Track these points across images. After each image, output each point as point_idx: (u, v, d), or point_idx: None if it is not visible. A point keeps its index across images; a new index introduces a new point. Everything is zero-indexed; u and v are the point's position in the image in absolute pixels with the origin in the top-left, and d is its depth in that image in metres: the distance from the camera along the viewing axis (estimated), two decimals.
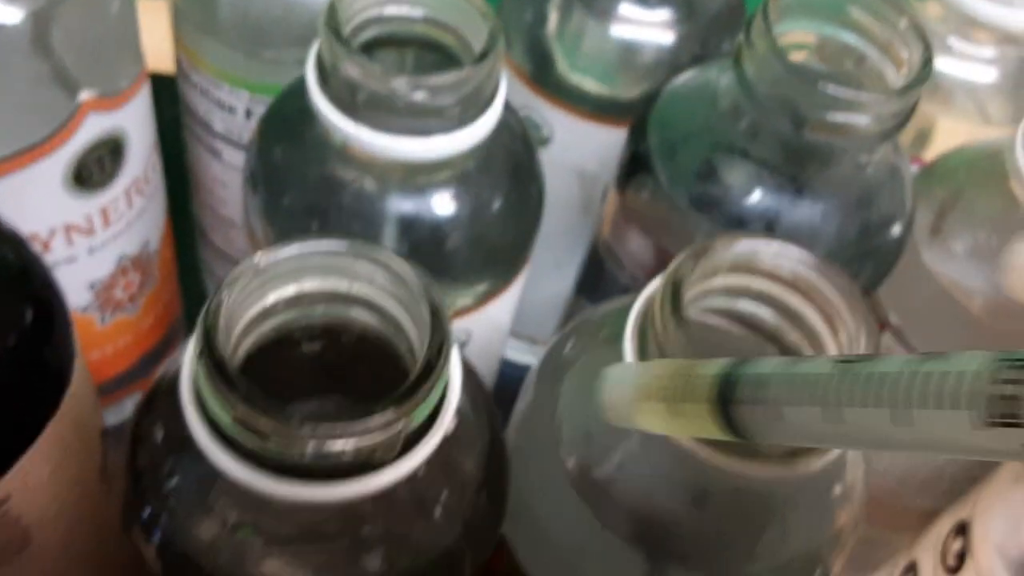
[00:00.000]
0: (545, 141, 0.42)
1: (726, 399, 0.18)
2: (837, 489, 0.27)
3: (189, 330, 0.49)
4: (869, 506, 0.41)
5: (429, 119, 0.30)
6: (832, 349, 0.25)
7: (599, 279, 0.40)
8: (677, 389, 0.19)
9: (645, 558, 0.26)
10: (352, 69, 0.29)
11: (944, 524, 0.34)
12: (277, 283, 0.23)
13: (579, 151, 0.42)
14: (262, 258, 0.22)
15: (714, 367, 0.18)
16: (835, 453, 0.25)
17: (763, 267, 0.26)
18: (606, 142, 0.42)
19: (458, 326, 0.35)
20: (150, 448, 0.25)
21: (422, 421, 0.22)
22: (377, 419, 0.21)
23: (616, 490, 0.27)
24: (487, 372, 0.41)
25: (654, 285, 0.26)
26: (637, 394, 0.20)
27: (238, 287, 0.22)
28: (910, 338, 0.35)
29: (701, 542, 0.26)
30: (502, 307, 0.37)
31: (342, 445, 0.21)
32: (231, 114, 0.40)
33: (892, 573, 0.36)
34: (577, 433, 0.28)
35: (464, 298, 0.34)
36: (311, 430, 0.20)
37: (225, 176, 0.43)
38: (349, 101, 0.29)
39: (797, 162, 0.31)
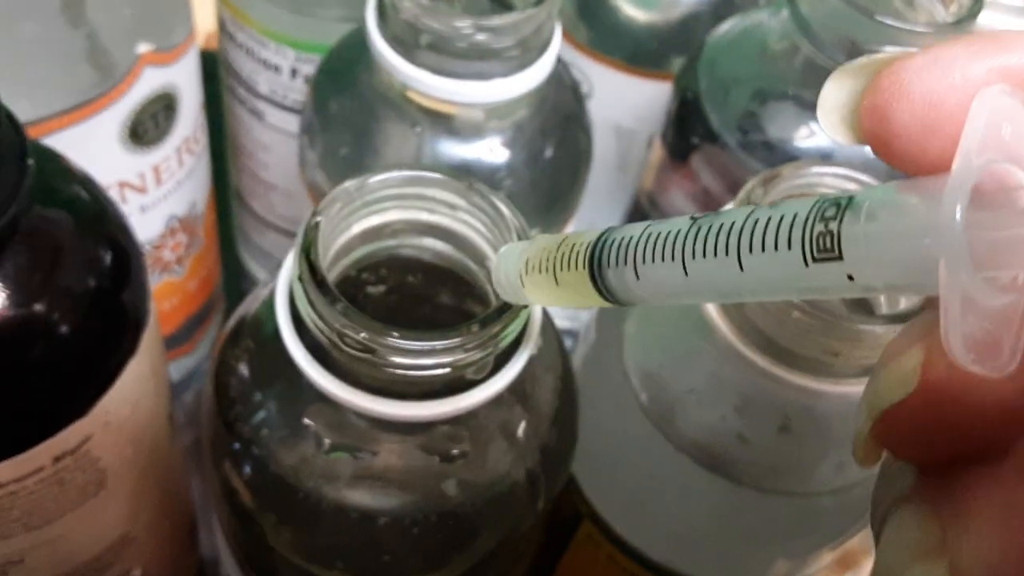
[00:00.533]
0: (586, 96, 0.43)
1: (598, 263, 0.18)
2: None
3: (227, 299, 0.50)
4: None
5: (489, 62, 0.30)
6: None
7: None
8: (558, 259, 0.19)
9: (720, 482, 0.27)
10: (415, 9, 0.29)
11: None
12: (367, 211, 0.24)
13: (618, 106, 0.43)
14: (354, 183, 0.23)
15: (589, 235, 0.19)
16: None
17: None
18: (644, 96, 0.42)
19: None
20: (239, 380, 0.25)
21: (510, 342, 0.23)
22: (471, 336, 0.21)
23: (690, 416, 0.27)
24: None
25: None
26: (525, 267, 0.21)
27: (334, 210, 0.22)
28: None
29: (777, 463, 0.27)
30: None
31: (438, 360, 0.21)
32: (276, 73, 0.40)
33: None
34: (647, 366, 0.28)
35: None
36: (412, 343, 0.21)
37: (268, 139, 0.43)
38: (411, 44, 0.30)
39: None
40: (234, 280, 0.52)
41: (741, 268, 0.15)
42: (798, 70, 0.32)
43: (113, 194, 0.36)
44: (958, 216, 0.12)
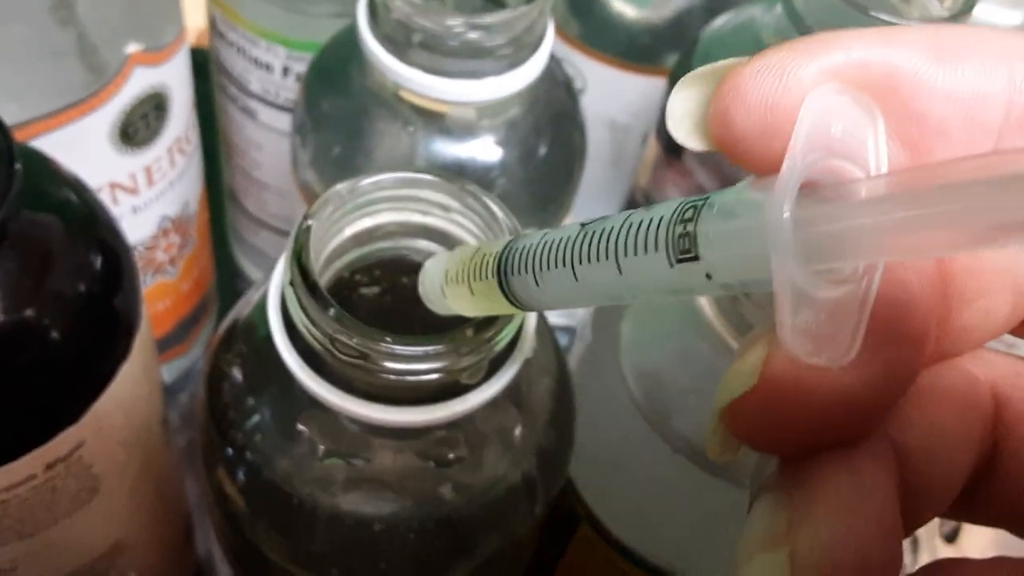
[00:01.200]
0: (579, 92, 0.42)
1: (505, 272, 0.19)
2: None
3: (221, 298, 0.49)
4: None
5: (481, 60, 0.30)
6: None
7: None
8: (471, 269, 0.20)
9: (717, 483, 0.27)
10: (406, 8, 0.29)
11: None
12: (359, 214, 0.23)
13: (611, 102, 0.42)
14: (346, 186, 0.23)
15: (497, 245, 0.19)
16: None
17: None
18: (638, 91, 0.42)
19: None
20: (232, 386, 0.25)
21: (505, 346, 0.23)
22: (464, 341, 0.21)
23: (687, 417, 0.27)
24: None
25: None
26: (444, 278, 0.21)
27: (325, 213, 0.22)
28: None
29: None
30: None
31: (432, 365, 0.21)
32: (268, 72, 0.40)
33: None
34: (643, 366, 0.28)
35: None
36: (405, 348, 0.21)
37: (260, 138, 0.43)
38: (402, 43, 0.30)
39: None
40: (228, 279, 0.52)
41: (620, 271, 0.15)
42: None
43: (104, 195, 0.36)
44: (784, 212, 0.12)
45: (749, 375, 0.14)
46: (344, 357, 0.21)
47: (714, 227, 0.13)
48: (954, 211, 0.11)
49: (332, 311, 0.21)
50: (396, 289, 0.26)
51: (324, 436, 0.23)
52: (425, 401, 0.22)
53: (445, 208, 0.24)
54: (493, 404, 0.24)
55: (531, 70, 0.31)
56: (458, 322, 0.24)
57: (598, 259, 0.16)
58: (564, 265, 0.17)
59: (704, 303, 0.25)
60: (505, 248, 0.19)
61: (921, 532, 0.37)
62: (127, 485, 0.30)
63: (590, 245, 0.16)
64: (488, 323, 0.21)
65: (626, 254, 0.15)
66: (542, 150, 0.34)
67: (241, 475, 0.25)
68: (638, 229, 0.15)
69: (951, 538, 0.36)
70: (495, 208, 0.23)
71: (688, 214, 0.14)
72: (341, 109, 0.33)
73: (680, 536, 0.29)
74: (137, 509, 0.31)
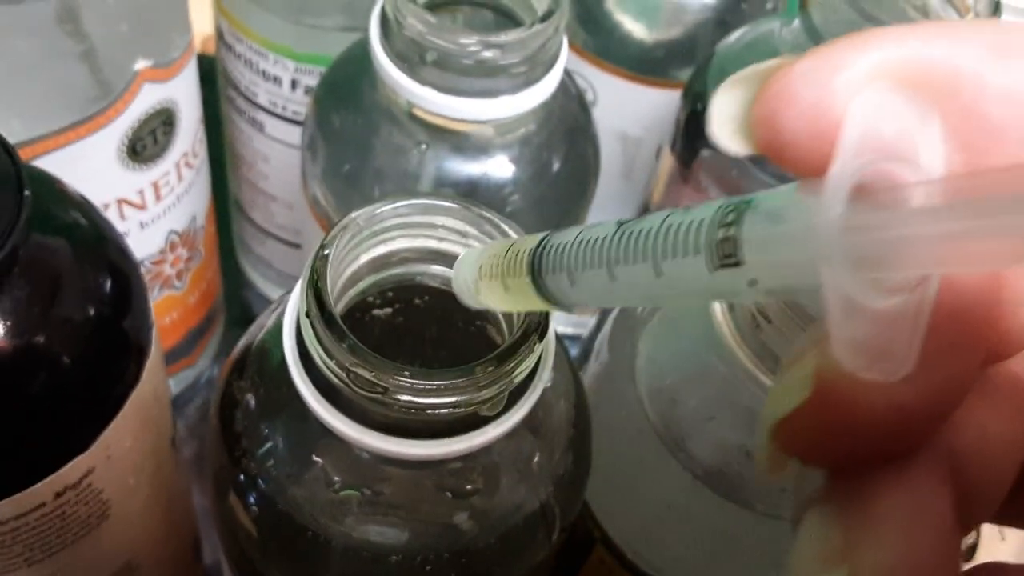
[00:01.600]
0: (590, 105, 0.42)
1: (538, 269, 0.18)
2: None
3: (228, 308, 0.49)
4: None
5: (495, 79, 0.30)
6: None
7: None
8: (505, 265, 0.19)
9: (734, 508, 0.26)
10: (420, 26, 0.28)
11: None
12: (375, 240, 0.23)
13: (622, 114, 0.42)
14: (363, 214, 0.22)
15: (531, 241, 0.19)
16: None
17: None
18: (649, 104, 0.41)
19: None
20: (245, 413, 0.24)
21: (524, 377, 0.22)
22: (484, 373, 0.21)
23: (705, 442, 0.27)
24: None
25: None
26: (478, 273, 0.21)
27: (342, 242, 0.22)
28: None
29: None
30: None
31: (451, 399, 0.21)
32: (277, 85, 0.39)
33: None
34: (660, 389, 0.28)
35: None
36: (423, 382, 0.20)
37: (268, 149, 0.42)
38: (415, 61, 0.29)
39: None
40: (234, 290, 0.52)
41: (658, 273, 0.15)
42: None
43: (112, 211, 0.35)
44: (835, 218, 0.11)
45: (800, 389, 0.14)
46: (361, 391, 0.20)
47: (759, 231, 0.13)
48: (1016, 221, 0.11)
49: (348, 343, 0.20)
50: (411, 314, 0.26)
51: (339, 467, 0.23)
52: (443, 433, 0.22)
53: (462, 235, 0.24)
54: (511, 433, 0.24)
55: (545, 88, 0.31)
56: (476, 342, 0.24)
57: (635, 260, 0.15)
58: (600, 265, 0.16)
59: (723, 326, 0.25)
60: (540, 245, 0.18)
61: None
62: (137, 508, 0.30)
63: (627, 245, 0.15)
64: (508, 354, 0.21)
65: (665, 256, 0.15)
66: (556, 165, 0.33)
67: (253, 504, 0.24)
68: (677, 231, 0.14)
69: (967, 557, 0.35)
70: (511, 232, 0.23)
71: (730, 217, 0.13)
72: (352, 125, 0.32)
73: (696, 561, 0.28)
74: (146, 530, 0.31)
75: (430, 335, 0.26)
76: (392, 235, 0.23)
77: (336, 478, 0.23)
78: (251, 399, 0.24)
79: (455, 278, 0.22)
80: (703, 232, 0.14)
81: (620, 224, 0.16)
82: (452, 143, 0.31)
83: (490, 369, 0.21)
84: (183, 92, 0.35)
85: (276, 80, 0.39)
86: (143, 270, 0.39)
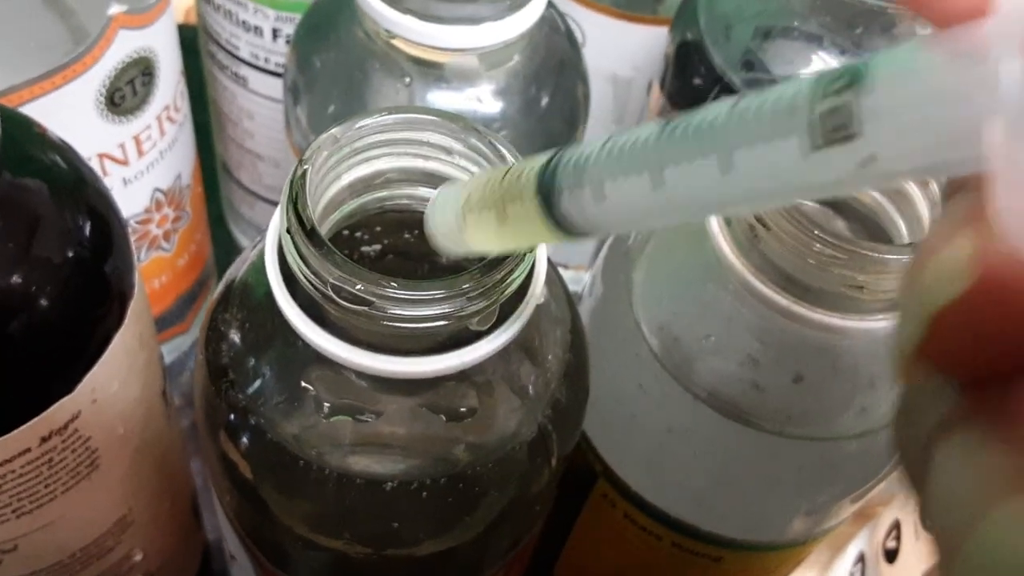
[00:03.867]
0: (579, 46, 0.41)
1: (549, 189, 0.16)
2: None
3: (219, 275, 0.48)
4: None
5: (478, 5, 0.29)
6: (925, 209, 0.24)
7: None
8: (504, 191, 0.17)
9: (739, 429, 0.26)
10: None
11: None
12: (356, 159, 0.22)
13: (612, 55, 0.41)
14: (341, 128, 0.22)
15: (536, 160, 0.17)
16: None
17: None
18: (638, 42, 0.41)
19: None
20: (231, 347, 0.24)
21: (514, 291, 0.22)
22: (472, 283, 0.20)
23: (708, 364, 0.26)
24: None
25: None
26: (464, 206, 0.18)
27: (320, 159, 0.21)
28: None
29: (798, 408, 0.26)
30: None
31: (439, 311, 0.20)
32: (258, 35, 0.38)
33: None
34: (659, 314, 0.27)
35: None
36: (410, 292, 0.20)
37: (252, 106, 0.42)
38: None
39: (856, 28, 0.30)
40: (225, 257, 0.51)
41: (726, 170, 0.13)
42: (804, 2, 0.31)
43: (94, 166, 0.35)
44: (1013, 69, 0.10)
45: (959, 274, 0.11)
46: (347, 305, 0.20)
47: (884, 95, 0.11)
48: None
49: (333, 256, 0.19)
50: (399, 242, 0.25)
51: (330, 393, 0.22)
52: (433, 351, 0.21)
53: (448, 151, 0.23)
54: (505, 354, 0.23)
55: (529, 15, 0.30)
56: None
57: (693, 157, 0.13)
58: (640, 171, 0.14)
59: (720, 239, 0.24)
60: (551, 160, 0.16)
61: (868, 551, 0.36)
62: (128, 459, 0.29)
63: (681, 142, 0.13)
64: (496, 264, 0.20)
65: (738, 146, 0.13)
66: (544, 100, 0.33)
67: (245, 439, 0.23)
68: (758, 113, 0.12)
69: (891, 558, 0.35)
70: (502, 148, 0.22)
71: (841, 83, 0.11)
72: (334, 65, 0.32)
73: (701, 488, 0.28)
74: (140, 484, 0.30)
75: (419, 260, 0.25)
76: (374, 153, 0.23)
77: (327, 405, 0.22)
78: (236, 333, 0.24)
79: (430, 216, 0.20)
80: (798, 108, 0.12)
81: (667, 123, 0.14)
82: (437, 75, 0.30)
83: (477, 279, 0.20)
84: (161, 41, 0.35)
85: (257, 30, 0.38)
86: (129, 229, 0.38)
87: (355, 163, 0.22)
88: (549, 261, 0.25)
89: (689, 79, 0.33)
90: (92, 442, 0.27)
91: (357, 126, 0.22)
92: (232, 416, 0.24)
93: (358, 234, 0.25)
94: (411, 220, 0.24)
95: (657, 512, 0.28)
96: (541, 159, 0.17)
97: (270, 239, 0.22)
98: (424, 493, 0.23)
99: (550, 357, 0.25)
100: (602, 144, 0.15)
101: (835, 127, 0.11)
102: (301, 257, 0.20)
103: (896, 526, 0.39)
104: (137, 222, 0.38)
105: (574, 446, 0.29)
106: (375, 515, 0.23)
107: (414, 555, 0.24)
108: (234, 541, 0.28)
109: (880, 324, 0.23)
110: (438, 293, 0.20)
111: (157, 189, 0.38)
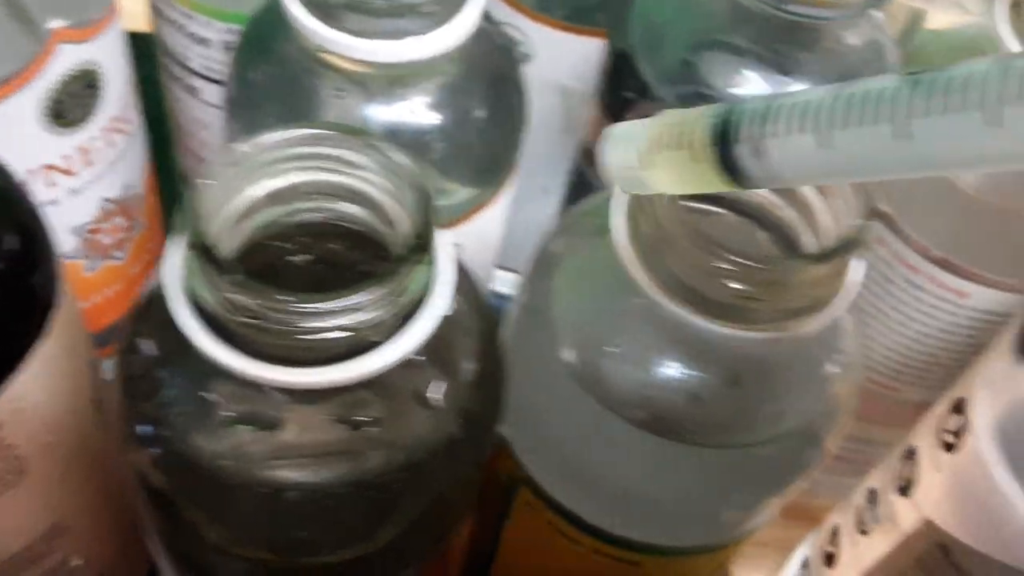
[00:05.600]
0: (526, 58, 0.42)
1: (726, 139, 0.17)
2: (832, 358, 0.27)
3: None
4: (866, 401, 0.41)
5: (408, 19, 0.29)
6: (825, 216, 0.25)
7: (586, 193, 0.39)
8: (682, 135, 0.18)
9: (653, 439, 0.26)
10: None
11: (942, 405, 0.34)
12: (259, 175, 0.23)
13: (559, 66, 0.42)
14: (246, 144, 0.22)
15: (715, 108, 0.17)
16: (829, 317, 0.24)
17: None
18: (584, 54, 0.41)
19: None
20: (142, 358, 0.24)
21: (414, 300, 0.22)
22: (366, 293, 0.20)
23: (618, 375, 0.26)
24: None
25: None
26: (649, 145, 0.18)
27: (220, 175, 0.21)
28: (903, 225, 0.35)
29: (712, 417, 0.26)
30: (490, 221, 0.36)
31: (333, 321, 0.20)
32: (207, 47, 0.39)
33: (890, 462, 0.36)
34: (573, 323, 0.27)
35: (449, 209, 0.34)
36: (302, 304, 0.20)
37: (205, 116, 0.42)
38: (326, 5, 0.29)
39: (782, 42, 0.30)
40: None
41: (992, 122, 0.13)
42: (730, 17, 0.31)
43: (40, 178, 0.35)
44: None
45: None
46: (240, 319, 0.20)
47: None
48: None
49: (225, 270, 0.20)
50: (312, 254, 0.25)
51: (233, 403, 0.23)
52: (332, 361, 0.22)
53: (354, 165, 0.23)
54: (410, 364, 0.23)
55: (460, 28, 0.30)
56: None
57: (954, 110, 0.13)
58: (879, 120, 0.14)
59: (627, 255, 0.25)
60: (730, 111, 0.17)
61: (877, 484, 0.36)
62: (58, 468, 0.29)
63: (860, 107, 0.14)
64: (390, 275, 0.21)
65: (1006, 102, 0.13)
66: (479, 113, 0.33)
67: (154, 449, 0.24)
68: (932, 88, 0.13)
69: (951, 446, 0.34)
70: (399, 160, 0.22)
71: None
72: (269, 79, 0.32)
73: (619, 496, 0.28)
74: (72, 492, 0.31)
75: (333, 274, 0.26)
76: (282, 168, 0.23)
77: (230, 415, 0.23)
78: (147, 344, 0.24)
79: (603, 157, 0.20)
80: (987, 80, 0.13)
81: (912, 75, 0.14)
82: (368, 89, 0.31)
83: (372, 287, 0.20)
84: (106, 54, 0.35)
85: (205, 42, 0.39)
86: (79, 239, 0.39)
87: (262, 176, 0.23)
88: (464, 269, 0.26)
89: (622, 90, 0.34)
90: (19, 450, 0.27)
91: (259, 142, 0.22)
92: (142, 428, 0.24)
93: (275, 244, 0.26)
94: (324, 229, 0.25)
95: (576, 519, 0.29)
96: (716, 108, 0.17)
97: (175, 252, 0.22)
98: (329, 502, 0.23)
99: (461, 367, 0.25)
100: (784, 99, 0.16)
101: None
102: (195, 269, 0.20)
103: (835, 531, 0.39)
104: (88, 232, 0.39)
105: (494, 454, 0.29)
106: (282, 525, 0.24)
107: (323, 563, 0.25)
108: (156, 547, 0.29)
109: (779, 335, 0.24)
110: (331, 305, 0.20)
111: (106, 199, 0.38)
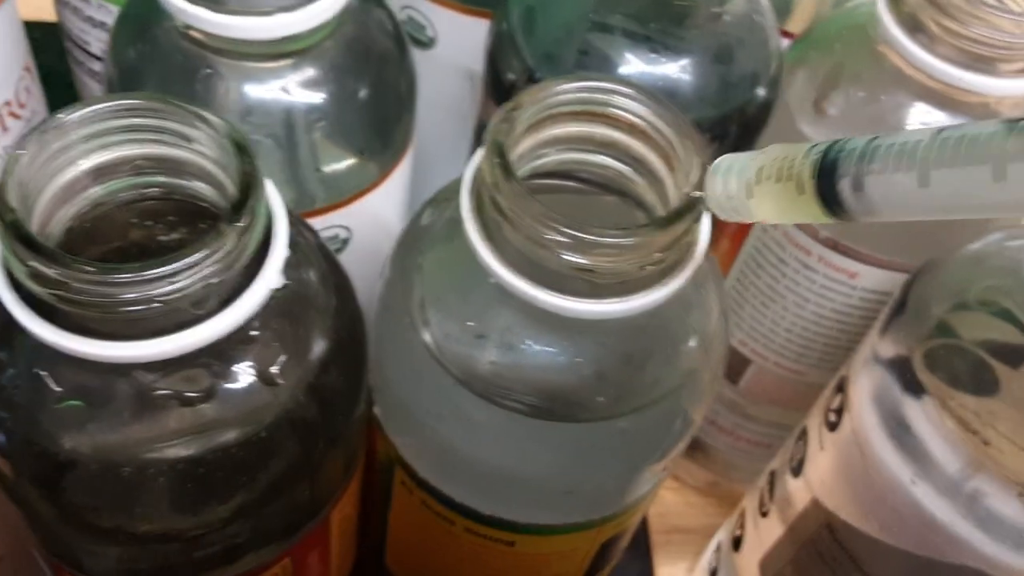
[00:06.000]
0: (431, 42, 0.41)
1: (829, 174, 0.18)
2: (690, 327, 0.27)
3: None
4: (776, 386, 0.41)
5: None
6: (671, 187, 0.25)
7: None
8: (787, 168, 0.19)
9: (510, 418, 0.26)
10: None
11: (829, 386, 0.34)
12: (79, 150, 0.22)
13: (465, 51, 0.41)
14: (52, 120, 0.22)
15: (820, 146, 0.19)
16: (678, 285, 0.24)
17: (572, 107, 0.25)
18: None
19: (333, 220, 0.34)
20: None
21: (244, 273, 0.22)
22: (180, 261, 0.20)
23: (474, 353, 0.26)
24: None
25: (479, 151, 0.25)
26: (756, 176, 0.20)
27: (31, 150, 0.21)
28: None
29: (561, 392, 0.26)
30: (383, 204, 0.36)
31: (149, 291, 0.20)
32: (105, 31, 0.39)
33: (788, 443, 0.36)
34: (430, 302, 0.27)
35: (331, 189, 0.33)
36: (107, 276, 0.20)
37: None
38: None
39: (657, 20, 0.30)
40: None
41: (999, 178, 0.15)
42: None
43: None
44: None
45: None
46: (45, 289, 0.20)
47: None
48: None
49: (25, 240, 0.20)
50: (140, 231, 0.25)
51: (62, 379, 0.23)
52: (156, 335, 0.21)
53: (187, 139, 0.23)
54: (246, 339, 0.23)
55: (328, 6, 0.30)
56: None
57: (963, 164, 0.15)
58: (977, 163, 0.15)
59: (471, 230, 0.24)
60: (830, 148, 0.18)
61: (777, 466, 0.36)
62: None
63: (956, 151, 0.16)
64: (207, 241, 0.21)
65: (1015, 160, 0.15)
66: (360, 93, 0.33)
67: None
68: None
69: (834, 425, 0.34)
70: (223, 127, 0.22)
71: None
72: (143, 58, 0.32)
73: (480, 473, 0.28)
74: None
75: (167, 244, 0.25)
76: (113, 139, 0.23)
77: (59, 390, 0.23)
78: None
79: (713, 184, 0.22)
80: None
81: (1010, 122, 0.15)
82: (239, 67, 0.30)
83: (186, 257, 0.20)
84: None
85: (103, 26, 0.39)
86: None
87: (88, 151, 0.23)
88: (313, 246, 0.26)
89: (504, 74, 0.34)
90: None
91: (79, 114, 0.22)
92: None
93: (110, 220, 0.25)
94: (169, 207, 0.25)
95: (445, 498, 0.29)
96: (821, 145, 0.19)
97: None
98: (161, 479, 0.23)
99: (309, 343, 0.25)
100: (883, 140, 0.17)
101: None
102: (6, 245, 0.20)
103: (742, 515, 0.39)
104: None
105: (374, 434, 0.29)
106: (119, 503, 0.24)
107: (178, 538, 0.24)
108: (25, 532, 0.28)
109: (627, 306, 0.24)
110: (141, 276, 0.20)
111: None
